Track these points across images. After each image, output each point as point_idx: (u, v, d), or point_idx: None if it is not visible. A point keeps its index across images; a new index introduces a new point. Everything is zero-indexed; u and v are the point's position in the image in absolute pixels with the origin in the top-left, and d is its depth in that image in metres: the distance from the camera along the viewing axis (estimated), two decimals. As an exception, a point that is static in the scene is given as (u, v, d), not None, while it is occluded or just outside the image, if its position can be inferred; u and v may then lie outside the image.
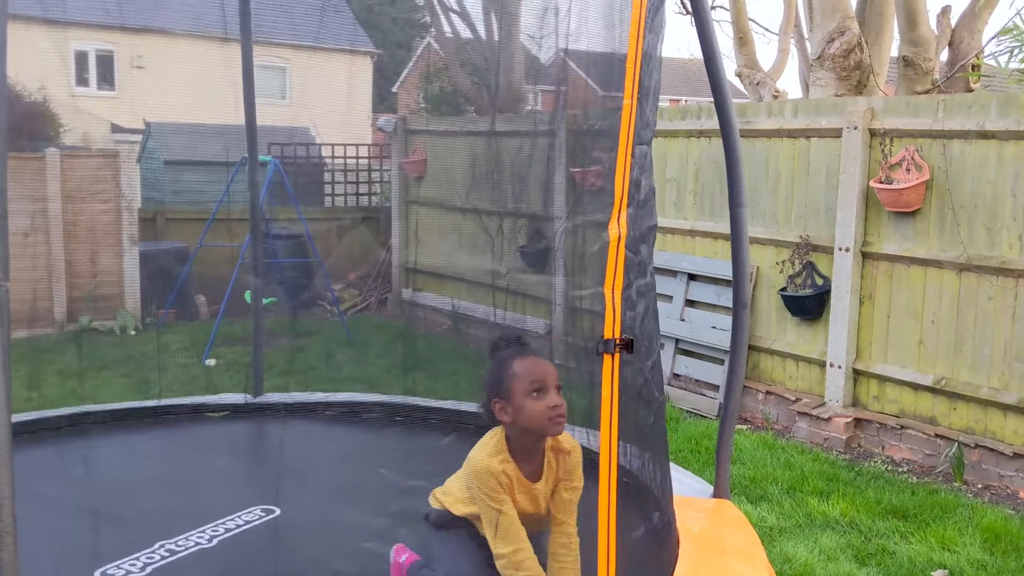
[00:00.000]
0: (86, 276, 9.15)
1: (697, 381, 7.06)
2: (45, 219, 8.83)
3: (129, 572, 3.11)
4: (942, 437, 5.64)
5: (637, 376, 2.26)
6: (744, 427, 6.49)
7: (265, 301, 5.90)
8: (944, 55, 8.94)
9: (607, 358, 1.80)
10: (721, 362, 6.80)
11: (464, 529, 2.49)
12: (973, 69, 8.53)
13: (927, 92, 7.90)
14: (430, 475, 2.44)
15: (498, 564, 2.33)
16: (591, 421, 2.42)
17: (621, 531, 2.00)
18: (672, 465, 3.22)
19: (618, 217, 1.80)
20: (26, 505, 1.77)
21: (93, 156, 9.61)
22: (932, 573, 4.19)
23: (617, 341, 1.78)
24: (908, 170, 5.71)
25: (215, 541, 3.35)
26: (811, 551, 4.38)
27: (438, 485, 2.59)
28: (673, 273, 7.21)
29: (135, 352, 8.13)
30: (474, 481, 2.38)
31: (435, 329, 8.70)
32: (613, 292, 1.81)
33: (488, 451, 2.41)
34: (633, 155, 1.84)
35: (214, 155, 9.36)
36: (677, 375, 7.19)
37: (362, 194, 11.35)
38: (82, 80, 15.86)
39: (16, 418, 2.94)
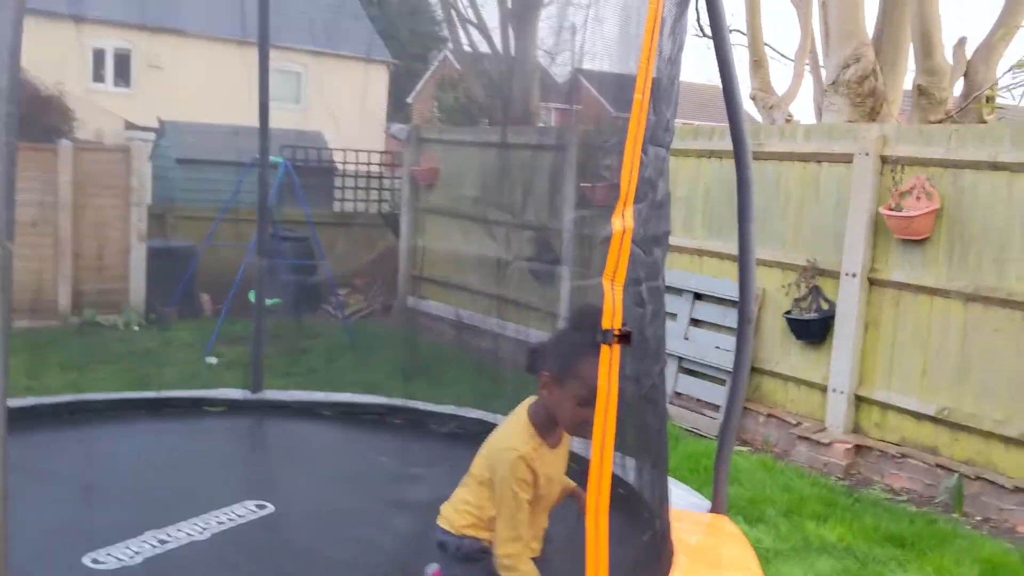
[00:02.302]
0: (92, 270, 9.16)
1: (698, 400, 7.02)
2: (55, 211, 8.85)
3: (120, 559, 3.09)
4: (943, 467, 5.60)
5: (645, 378, 2.23)
6: (744, 449, 6.45)
7: (269, 302, 5.89)
8: (959, 86, 8.94)
9: (605, 349, 1.77)
10: (723, 383, 6.77)
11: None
12: (987, 101, 8.53)
13: (940, 122, 7.90)
14: (428, 463, 2.40)
15: (497, 563, 2.29)
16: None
17: (615, 536, 1.97)
18: (670, 479, 3.20)
19: (623, 211, 1.78)
20: (19, 484, 1.76)
21: (105, 151, 9.65)
22: (928, 602, 4.15)
23: (616, 332, 1.75)
24: (918, 198, 5.70)
25: (207, 533, 3.33)
26: (807, 574, 4.34)
27: (437, 475, 2.54)
28: (679, 291, 7.20)
29: (137, 347, 8.13)
30: (503, 468, 2.30)
31: (439, 338, 8.68)
32: (613, 283, 1.78)
33: (522, 437, 2.35)
34: (646, 152, 1.83)
35: (226, 155, 9.38)
36: (679, 393, 7.16)
37: (372, 200, 11.35)
38: (98, 76, 15.96)
39: (14, 403, 2.93)
